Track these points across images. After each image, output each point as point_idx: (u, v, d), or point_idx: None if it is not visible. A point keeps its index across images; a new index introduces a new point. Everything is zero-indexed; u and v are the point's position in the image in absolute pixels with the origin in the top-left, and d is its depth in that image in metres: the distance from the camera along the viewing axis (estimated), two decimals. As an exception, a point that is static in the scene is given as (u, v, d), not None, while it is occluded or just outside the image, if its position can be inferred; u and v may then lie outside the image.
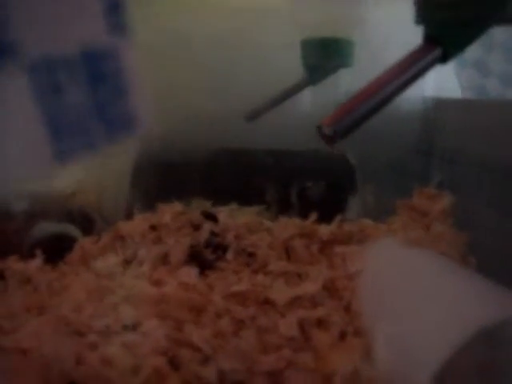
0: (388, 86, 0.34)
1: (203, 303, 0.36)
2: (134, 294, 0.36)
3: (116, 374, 0.28)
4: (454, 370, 0.27)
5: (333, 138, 0.32)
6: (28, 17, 0.18)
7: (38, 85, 0.17)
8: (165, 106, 0.55)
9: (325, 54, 0.58)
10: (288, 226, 0.45)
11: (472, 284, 0.33)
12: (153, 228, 0.45)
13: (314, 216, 0.46)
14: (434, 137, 0.54)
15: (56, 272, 0.43)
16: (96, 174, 0.57)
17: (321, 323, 0.35)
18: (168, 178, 0.55)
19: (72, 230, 0.51)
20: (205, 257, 0.41)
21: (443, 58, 0.35)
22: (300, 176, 0.58)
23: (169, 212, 0.46)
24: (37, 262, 0.43)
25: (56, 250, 0.46)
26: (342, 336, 0.34)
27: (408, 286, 0.35)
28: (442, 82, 0.60)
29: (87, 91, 0.18)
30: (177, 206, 0.47)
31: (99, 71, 0.18)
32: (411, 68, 0.34)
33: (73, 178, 0.58)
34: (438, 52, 0.35)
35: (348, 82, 0.59)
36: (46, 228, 0.51)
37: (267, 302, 0.37)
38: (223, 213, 0.48)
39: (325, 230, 0.44)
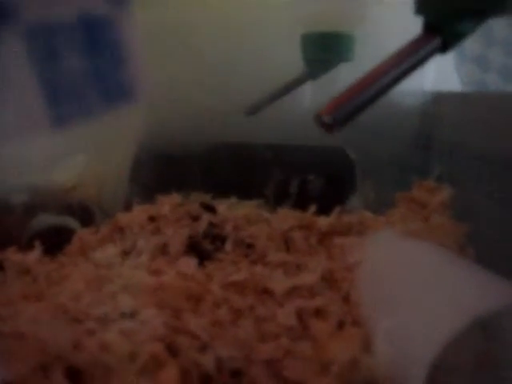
0: (387, 74, 0.34)
1: (201, 292, 0.36)
2: (133, 283, 0.36)
3: (114, 359, 0.28)
4: (450, 360, 0.27)
5: (332, 127, 0.32)
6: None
7: (36, 50, 0.17)
8: (165, 99, 0.56)
9: (325, 49, 0.58)
10: (287, 217, 0.45)
11: (470, 274, 0.33)
12: (152, 219, 0.45)
13: (313, 208, 0.46)
14: (433, 131, 0.54)
15: (55, 263, 0.43)
16: (95, 167, 0.58)
17: (319, 313, 0.35)
18: (167, 171, 0.55)
19: (71, 222, 0.51)
20: (203, 247, 0.41)
21: (443, 48, 0.35)
22: (299, 170, 0.58)
23: (168, 203, 0.46)
24: (36, 254, 0.43)
25: (55, 241, 0.47)
26: (341, 325, 0.34)
27: (406, 276, 0.35)
28: (442, 77, 0.60)
29: (85, 58, 0.18)
30: (176, 198, 0.47)
31: (97, 39, 0.18)
32: (410, 57, 0.34)
33: (72, 172, 0.58)
34: (437, 42, 0.35)
35: (348, 76, 0.59)
36: (45, 220, 0.51)
37: (265, 292, 0.37)
38: (222, 205, 0.48)
39: (324, 222, 0.44)
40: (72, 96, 0.19)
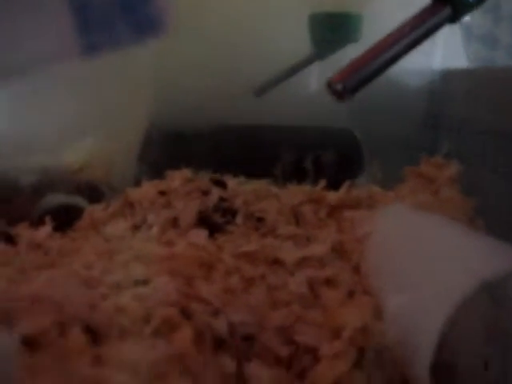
0: (397, 44, 0.34)
1: (213, 261, 0.36)
2: (144, 253, 0.36)
3: (129, 321, 0.28)
4: (460, 326, 0.28)
5: (343, 94, 0.32)
6: None
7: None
8: (176, 81, 0.56)
9: (333, 29, 0.58)
10: (296, 192, 0.45)
11: (481, 244, 0.33)
12: (162, 193, 0.45)
13: (322, 183, 0.46)
14: (441, 108, 0.54)
15: (66, 238, 0.43)
16: (105, 148, 0.58)
17: (329, 282, 0.35)
18: (177, 150, 0.55)
19: (80, 201, 0.51)
20: (214, 220, 0.42)
21: (452, 18, 0.35)
22: (306, 151, 0.58)
23: (178, 178, 0.46)
24: (46, 229, 0.44)
25: (64, 220, 0.47)
26: (351, 294, 0.34)
27: (417, 248, 0.35)
28: (450, 55, 0.60)
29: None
30: (186, 173, 0.47)
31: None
32: (420, 27, 0.34)
33: (80, 154, 0.58)
34: (447, 11, 0.35)
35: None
36: (54, 199, 0.51)
37: (276, 262, 0.37)
38: (232, 181, 0.48)
39: (333, 196, 0.44)
40: (102, 25, 0.19)
